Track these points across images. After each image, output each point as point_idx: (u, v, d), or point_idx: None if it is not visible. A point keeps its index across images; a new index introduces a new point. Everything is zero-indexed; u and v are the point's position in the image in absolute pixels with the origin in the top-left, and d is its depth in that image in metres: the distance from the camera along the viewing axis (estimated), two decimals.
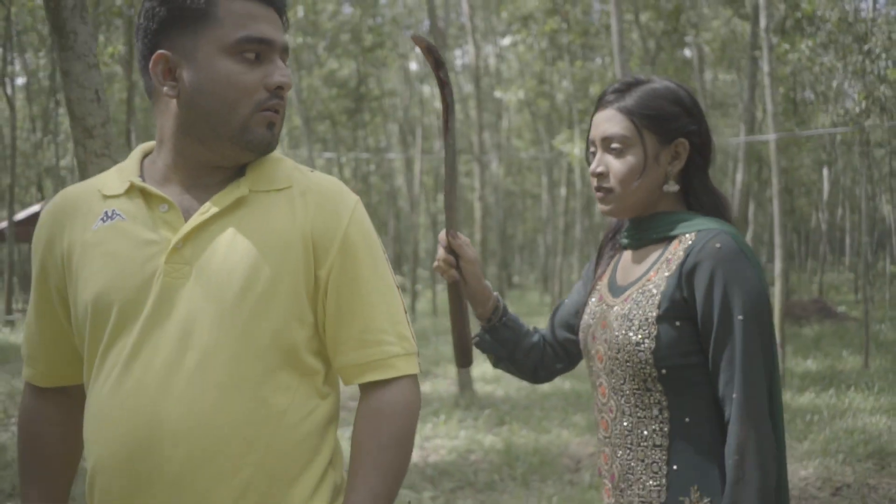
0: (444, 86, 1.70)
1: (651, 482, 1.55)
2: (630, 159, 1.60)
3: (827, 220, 25.85)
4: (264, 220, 1.35)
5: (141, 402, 1.27)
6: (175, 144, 1.36)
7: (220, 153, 1.36)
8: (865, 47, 10.16)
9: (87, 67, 1.86)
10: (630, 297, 1.60)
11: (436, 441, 6.75)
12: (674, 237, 1.60)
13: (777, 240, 8.84)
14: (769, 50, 8.84)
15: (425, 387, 9.75)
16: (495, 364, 1.96)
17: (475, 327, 1.91)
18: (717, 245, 1.50)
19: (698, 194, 1.64)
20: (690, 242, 1.55)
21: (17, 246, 22.75)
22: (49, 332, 1.46)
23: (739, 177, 12.14)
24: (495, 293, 1.88)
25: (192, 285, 1.30)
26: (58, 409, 1.53)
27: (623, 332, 1.57)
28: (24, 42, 21.21)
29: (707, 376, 1.53)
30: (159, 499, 1.27)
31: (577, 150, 13.48)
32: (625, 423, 1.60)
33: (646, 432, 1.56)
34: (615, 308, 1.62)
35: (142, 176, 1.39)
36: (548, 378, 2.00)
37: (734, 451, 1.44)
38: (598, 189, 1.65)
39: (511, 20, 18.85)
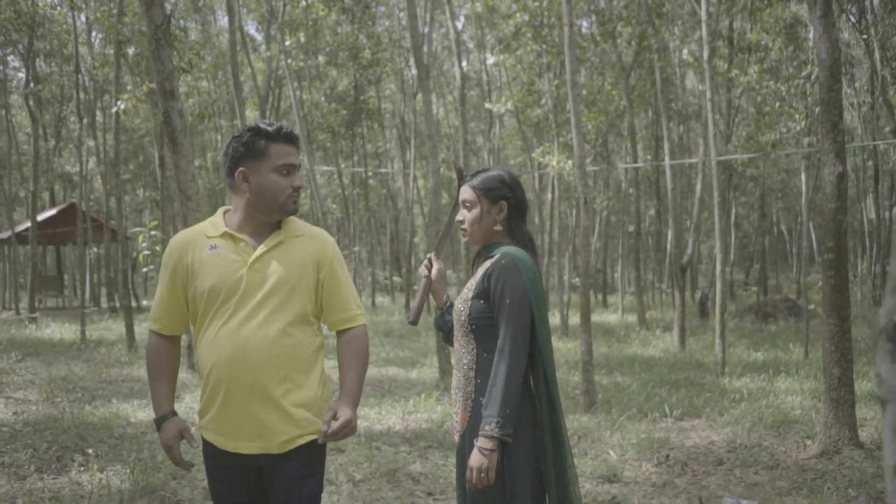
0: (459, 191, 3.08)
1: (468, 389, 2.84)
2: (475, 212, 2.89)
3: (806, 222, 26.98)
4: (293, 252, 2.71)
5: (238, 335, 2.60)
6: (246, 212, 2.71)
7: (270, 216, 2.71)
8: (804, 73, 11.43)
9: (188, 162, 3.14)
10: (468, 286, 2.91)
11: (416, 415, 8.03)
12: (494, 255, 2.89)
13: (717, 245, 10.12)
14: (710, 78, 10.12)
15: (412, 374, 11.05)
16: (444, 340, 3.24)
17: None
18: (503, 261, 2.78)
19: (515, 232, 2.92)
20: (495, 258, 2.84)
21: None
22: (173, 305, 2.76)
23: (699, 188, 13.38)
24: (447, 294, 3.18)
25: (261, 283, 2.64)
26: (169, 345, 2.83)
27: (458, 304, 2.87)
28: (37, 49, 21.60)
29: (496, 332, 2.80)
30: (245, 380, 2.59)
31: (555, 161, 14.70)
32: (458, 356, 2.90)
33: (465, 361, 2.86)
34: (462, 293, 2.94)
35: (226, 226, 2.71)
36: None
37: (492, 372, 2.71)
38: (461, 230, 2.95)
39: (503, 38, 20.06)
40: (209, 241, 2.70)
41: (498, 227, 2.91)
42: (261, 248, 2.68)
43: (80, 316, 20.25)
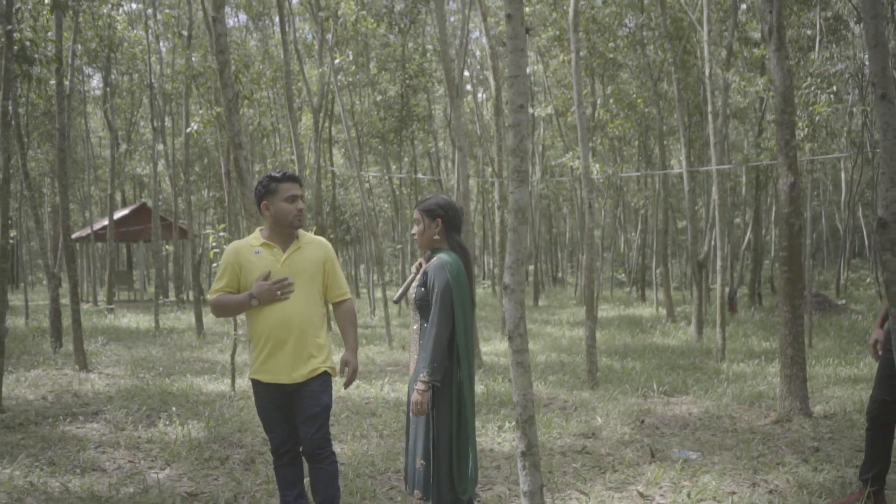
0: None
1: (414, 347, 4.14)
2: (420, 227, 4.21)
3: (846, 221, 27.54)
4: (307, 254, 4.15)
5: (277, 307, 4.02)
6: (271, 229, 4.14)
7: (285, 230, 4.13)
8: (805, 84, 12.43)
9: (251, 191, 4.53)
10: (417, 278, 4.21)
11: None
12: (433, 258, 4.19)
13: (717, 242, 11.23)
14: (711, 93, 11.21)
15: None
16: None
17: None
18: (436, 263, 4.06)
19: (451, 241, 4.22)
20: (433, 260, 4.13)
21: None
22: (229, 286, 4.16)
23: (714, 189, 14.41)
24: None
25: (289, 274, 4.06)
26: (227, 295, 4.21)
27: (411, 290, 4.19)
28: (112, 59, 23.38)
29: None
30: (284, 335, 4.02)
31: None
32: (411, 325, 4.21)
33: (414, 328, 4.17)
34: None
35: (263, 238, 4.12)
36: None
37: (425, 337, 3.99)
38: (414, 239, 4.25)
39: (538, 48, 21.23)
40: (253, 248, 4.17)
41: (437, 237, 4.21)
42: (286, 253, 4.15)
43: (150, 307, 22.10)
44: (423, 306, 4.10)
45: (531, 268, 37.86)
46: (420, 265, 4.47)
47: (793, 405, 7.47)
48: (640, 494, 5.21)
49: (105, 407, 8.04)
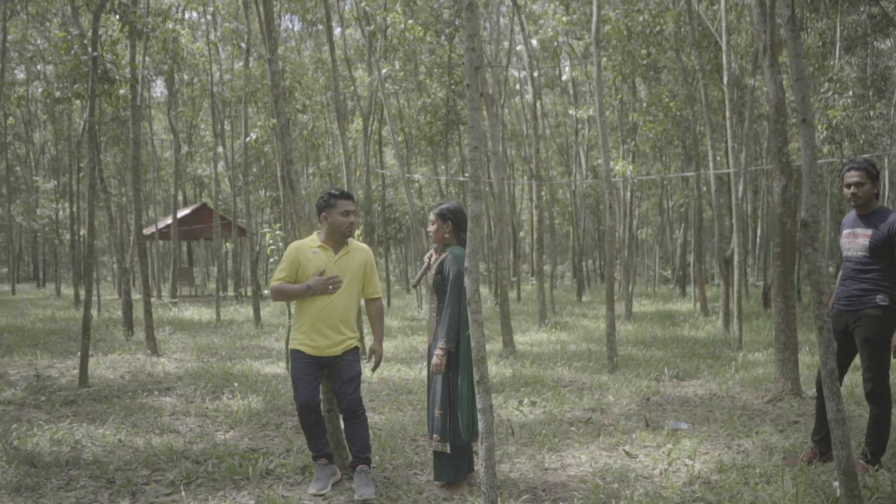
0: None
1: (433, 322, 5.17)
2: (435, 226, 5.23)
3: None
4: (354, 257, 5.23)
5: (326, 298, 5.10)
6: (327, 235, 5.21)
7: (338, 237, 5.20)
8: (823, 88, 13.08)
9: (300, 199, 5.63)
10: (434, 265, 5.22)
11: None
12: (446, 251, 5.19)
13: (735, 238, 11.97)
14: (729, 99, 11.96)
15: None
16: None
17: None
18: (450, 256, 5.09)
19: (459, 238, 5.23)
20: (446, 253, 5.14)
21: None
22: (289, 277, 5.22)
23: (741, 189, 15.10)
24: None
25: (339, 272, 5.13)
26: (286, 284, 5.27)
27: (430, 275, 5.19)
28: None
29: (446, 292, 5.08)
30: (329, 320, 5.09)
31: (618, 167, 16.71)
32: (430, 304, 5.22)
33: (433, 307, 5.19)
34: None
35: (319, 242, 5.19)
36: None
37: (443, 314, 5.00)
38: (430, 234, 5.26)
39: (576, 55, 22.02)
40: (311, 248, 5.22)
41: (447, 235, 5.26)
42: (338, 255, 5.20)
43: (210, 302, 23.50)
44: (440, 290, 5.13)
45: (574, 264, 38.58)
46: (431, 255, 5.48)
47: (784, 386, 8.27)
48: (627, 453, 6.14)
49: (176, 384, 9.23)
